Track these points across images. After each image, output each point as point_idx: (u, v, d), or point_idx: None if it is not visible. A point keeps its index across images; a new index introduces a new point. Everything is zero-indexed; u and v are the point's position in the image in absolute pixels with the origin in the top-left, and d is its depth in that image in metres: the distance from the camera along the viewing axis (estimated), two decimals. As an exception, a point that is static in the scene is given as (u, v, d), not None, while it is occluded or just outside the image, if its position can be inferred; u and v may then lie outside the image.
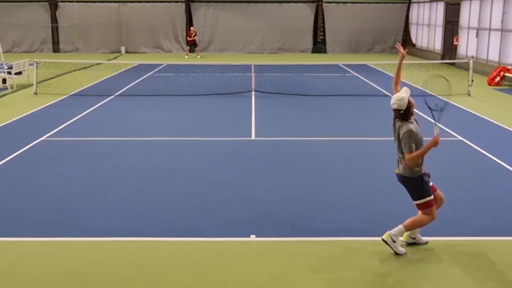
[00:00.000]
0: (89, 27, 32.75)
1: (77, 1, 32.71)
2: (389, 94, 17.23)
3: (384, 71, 23.14)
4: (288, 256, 6.04)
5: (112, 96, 16.64)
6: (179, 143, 11.21)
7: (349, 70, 23.59)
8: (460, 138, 11.47)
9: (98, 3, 33.24)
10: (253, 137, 11.66)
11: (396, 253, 6.02)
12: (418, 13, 32.10)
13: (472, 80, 17.27)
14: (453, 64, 24.80)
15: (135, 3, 33.42)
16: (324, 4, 33.48)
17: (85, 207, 7.47)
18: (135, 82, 19.93)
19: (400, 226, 6.08)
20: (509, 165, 9.38)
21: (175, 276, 5.57)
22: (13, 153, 10.11)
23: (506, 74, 19.43)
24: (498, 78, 19.50)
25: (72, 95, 17.00)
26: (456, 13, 25.85)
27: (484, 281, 5.52)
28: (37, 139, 11.20)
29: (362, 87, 18.74)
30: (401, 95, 6.00)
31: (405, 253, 6.05)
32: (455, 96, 16.83)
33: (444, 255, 6.07)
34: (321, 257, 6.01)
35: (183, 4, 33.36)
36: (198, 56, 29.77)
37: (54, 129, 12.16)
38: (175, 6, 33.38)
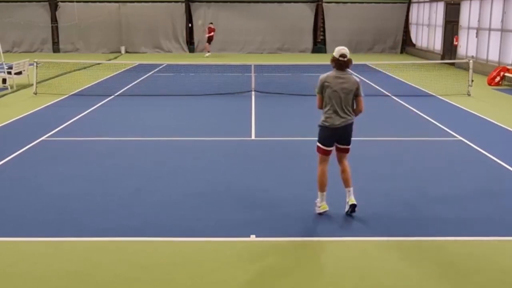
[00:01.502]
0: (89, 27, 32.75)
1: (77, 1, 32.70)
2: (389, 94, 17.25)
3: (384, 71, 23.15)
4: (288, 256, 6.04)
5: (112, 96, 16.64)
6: (179, 143, 11.21)
7: (349, 70, 23.54)
8: (460, 138, 11.47)
9: (98, 3, 33.25)
10: (253, 137, 11.65)
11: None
12: (418, 13, 32.10)
13: (472, 80, 17.27)
14: (453, 64, 24.82)
15: (135, 3, 33.43)
16: (324, 4, 33.48)
17: (85, 207, 7.47)
18: (135, 82, 19.93)
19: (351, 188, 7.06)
20: (509, 165, 9.39)
21: (175, 276, 5.58)
22: (13, 153, 10.10)
23: (506, 74, 19.43)
24: (498, 78, 19.51)
25: (72, 95, 17.00)
26: (456, 13, 25.86)
27: (484, 281, 5.52)
28: (37, 139, 11.20)
29: (362, 87, 18.67)
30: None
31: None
32: (455, 96, 16.88)
33: (443, 255, 6.07)
34: (321, 257, 6.02)
35: (183, 4, 33.37)
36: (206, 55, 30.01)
37: (54, 129, 12.16)
38: (175, 6, 33.39)
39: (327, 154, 7.07)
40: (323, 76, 7.00)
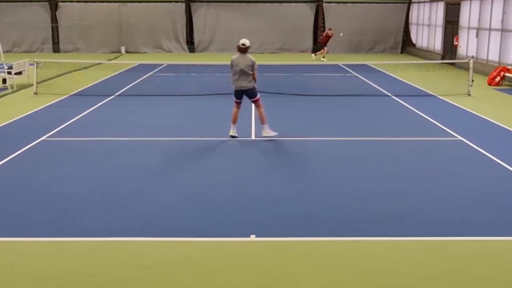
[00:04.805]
0: (89, 27, 32.76)
1: (77, 1, 32.71)
2: (389, 94, 17.25)
3: (385, 71, 23.15)
4: (288, 256, 6.05)
5: (112, 96, 16.64)
6: (179, 143, 11.21)
7: (349, 70, 23.60)
8: (460, 138, 11.47)
9: (98, 3, 33.25)
10: (253, 137, 11.66)
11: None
12: (418, 13, 32.10)
13: (472, 80, 17.28)
14: (453, 64, 24.81)
15: (135, 3, 33.43)
16: (324, 4, 33.47)
17: (85, 207, 7.48)
18: (135, 82, 19.93)
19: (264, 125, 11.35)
20: (509, 165, 9.39)
21: (175, 276, 5.58)
22: (13, 153, 10.11)
23: (506, 74, 19.43)
24: (498, 78, 19.51)
25: (72, 95, 17.00)
26: (456, 13, 25.86)
27: (485, 281, 5.53)
28: (37, 139, 11.20)
29: (362, 87, 18.74)
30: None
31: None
32: (456, 96, 16.88)
33: (444, 255, 6.08)
34: (321, 257, 6.02)
35: (183, 4, 33.37)
36: (324, 59, 28.05)
37: (54, 129, 12.16)
38: (175, 6, 33.39)
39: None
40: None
